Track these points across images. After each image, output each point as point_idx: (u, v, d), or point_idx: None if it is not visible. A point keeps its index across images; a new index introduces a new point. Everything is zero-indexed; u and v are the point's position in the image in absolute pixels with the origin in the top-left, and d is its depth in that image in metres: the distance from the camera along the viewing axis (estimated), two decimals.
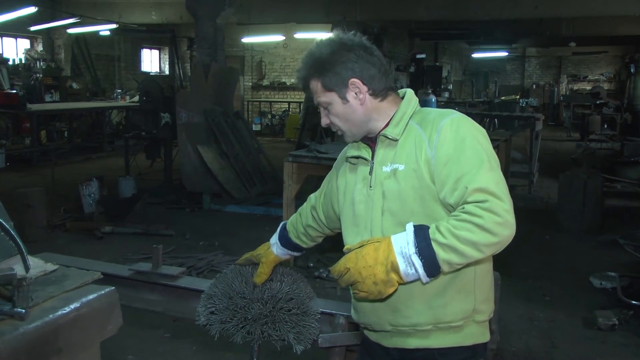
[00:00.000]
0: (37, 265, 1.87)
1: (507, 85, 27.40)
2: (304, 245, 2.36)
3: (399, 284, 1.74)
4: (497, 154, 6.60)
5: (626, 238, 6.51)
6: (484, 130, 1.89)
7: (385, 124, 1.94)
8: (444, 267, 1.70)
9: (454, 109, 13.72)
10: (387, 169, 1.90)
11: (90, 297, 1.73)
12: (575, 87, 27.63)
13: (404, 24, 17.48)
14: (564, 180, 7.88)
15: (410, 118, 1.93)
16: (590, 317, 4.97)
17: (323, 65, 1.90)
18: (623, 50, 24.91)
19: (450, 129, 1.81)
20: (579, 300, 5.43)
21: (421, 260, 1.68)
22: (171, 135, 9.69)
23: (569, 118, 20.94)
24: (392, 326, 1.91)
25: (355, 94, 1.91)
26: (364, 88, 1.91)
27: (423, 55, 17.19)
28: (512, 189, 9.82)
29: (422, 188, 1.82)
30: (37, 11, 13.13)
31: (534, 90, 26.10)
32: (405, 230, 1.76)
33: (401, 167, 1.87)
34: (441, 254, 1.67)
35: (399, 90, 2.05)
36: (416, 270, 1.69)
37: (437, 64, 21.07)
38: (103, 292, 1.77)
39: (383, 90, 1.94)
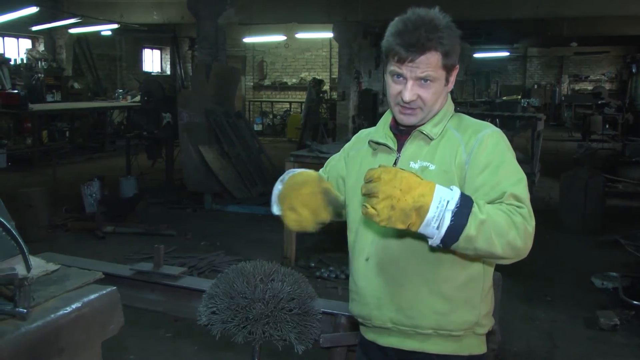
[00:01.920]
0: (39, 265, 1.87)
1: (509, 85, 27.35)
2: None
3: (408, 228, 1.60)
4: None
5: (628, 238, 6.50)
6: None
7: (428, 119, 1.89)
8: (461, 243, 1.61)
9: (455, 109, 13.72)
10: (415, 165, 1.85)
11: (92, 297, 1.73)
12: (577, 87, 27.58)
13: None
14: (565, 180, 7.87)
15: (448, 121, 1.91)
16: (591, 317, 4.96)
17: (453, 39, 1.82)
18: (625, 50, 24.87)
19: (491, 139, 1.82)
20: (581, 300, 5.43)
21: (451, 221, 1.58)
22: (172, 135, 9.71)
23: (570, 118, 20.93)
24: (393, 324, 1.90)
25: (451, 78, 1.87)
26: (454, 76, 1.89)
27: None
28: None
29: None
30: (39, 11, 13.14)
31: (535, 90, 26.07)
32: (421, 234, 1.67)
33: (432, 167, 1.83)
34: (472, 227, 1.59)
35: None
36: (438, 228, 1.59)
37: None
38: (104, 292, 1.78)
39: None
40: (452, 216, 1.58)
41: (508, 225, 1.63)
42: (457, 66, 1.87)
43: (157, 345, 4.40)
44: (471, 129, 1.86)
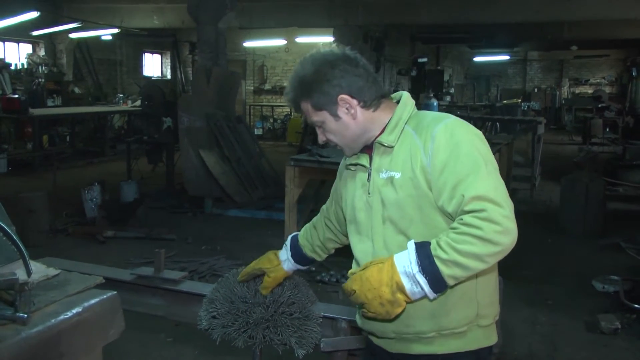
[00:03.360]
0: (39, 269, 1.87)
1: (509, 89, 27.38)
2: (319, 259, 2.34)
3: (407, 302, 1.73)
4: (499, 157, 6.62)
5: (628, 241, 6.50)
6: (480, 133, 1.87)
7: (381, 130, 1.92)
8: (450, 282, 1.70)
9: (456, 113, 13.73)
10: (383, 175, 1.89)
11: (93, 301, 1.73)
12: (577, 91, 27.61)
13: (406, 28, 17.50)
14: (566, 183, 7.87)
15: (406, 123, 1.91)
16: (593, 321, 4.95)
17: (310, 86, 1.88)
18: (625, 53, 24.91)
19: (444, 135, 1.79)
20: (582, 304, 5.42)
21: (426, 278, 1.67)
22: (173, 139, 9.70)
23: (570, 121, 20.94)
24: (396, 334, 1.91)
25: (347, 109, 1.88)
26: (354, 102, 1.88)
27: (425, 59, 17.19)
28: (514, 192, 9.82)
29: (420, 197, 1.81)
30: (40, 16, 13.14)
31: (535, 93, 26.07)
32: (406, 242, 1.77)
33: (397, 175, 1.85)
34: (445, 270, 1.67)
35: (394, 94, 2.03)
36: (422, 289, 1.69)
37: (439, 67, 21.10)
38: (105, 296, 1.78)
39: (375, 99, 1.91)
40: (423, 274, 1.68)
41: (474, 244, 1.65)
42: (341, 96, 1.87)
43: (157, 349, 4.40)
44: (426, 128, 1.85)
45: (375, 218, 1.91)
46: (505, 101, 20.93)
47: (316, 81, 1.87)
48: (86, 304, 1.70)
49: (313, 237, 2.31)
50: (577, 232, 7.53)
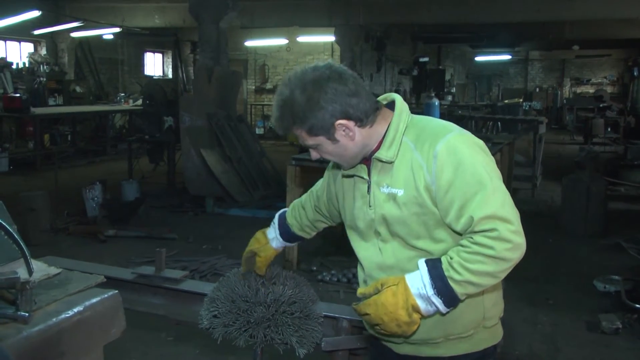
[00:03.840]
0: (41, 268, 1.87)
1: (510, 89, 27.39)
2: (308, 237, 2.36)
3: (422, 318, 1.76)
4: (500, 157, 6.60)
5: (630, 241, 6.50)
6: (481, 144, 1.82)
7: (378, 143, 1.86)
8: (462, 298, 1.73)
9: (457, 112, 13.65)
10: (384, 190, 1.85)
11: (94, 300, 1.73)
12: (579, 91, 27.61)
13: (407, 28, 17.50)
14: (567, 183, 7.86)
15: (403, 134, 1.84)
16: (594, 320, 4.95)
17: (303, 114, 1.76)
18: (626, 53, 24.90)
19: (447, 153, 1.74)
20: (583, 304, 5.41)
21: (441, 298, 1.70)
22: (174, 138, 9.71)
23: (572, 121, 20.91)
24: (404, 339, 1.92)
25: (344, 132, 1.80)
26: (351, 124, 1.78)
27: (426, 59, 17.19)
28: (515, 192, 9.82)
29: (425, 214, 1.79)
30: (41, 15, 13.15)
31: (537, 93, 26.08)
32: (415, 255, 1.80)
33: (400, 193, 1.81)
34: (459, 289, 1.69)
35: (383, 96, 1.96)
36: (437, 307, 1.71)
37: (440, 67, 21.09)
38: (106, 295, 1.78)
39: (370, 114, 1.81)
40: (438, 295, 1.70)
41: (486, 263, 1.66)
42: (339, 122, 1.77)
43: (158, 348, 4.40)
44: (428, 143, 1.78)
45: (381, 230, 1.89)
46: (506, 101, 20.93)
47: (309, 109, 1.75)
48: (87, 303, 1.70)
49: (302, 216, 2.31)
50: (579, 232, 7.53)
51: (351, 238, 2.05)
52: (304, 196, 2.33)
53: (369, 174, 1.90)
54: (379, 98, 1.95)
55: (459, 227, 1.73)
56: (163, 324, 4.36)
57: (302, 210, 2.31)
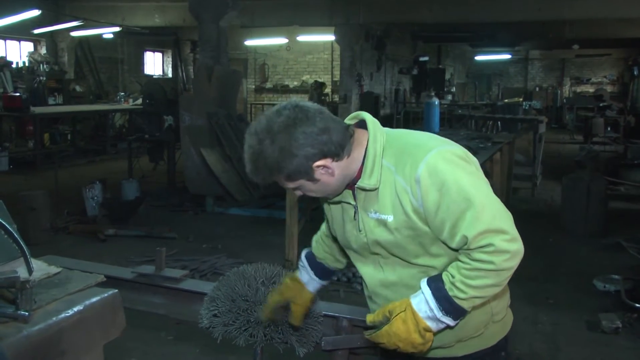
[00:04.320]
0: (41, 267, 1.87)
1: (510, 88, 27.36)
2: (342, 266, 2.26)
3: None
4: (501, 156, 6.58)
5: (630, 241, 6.50)
6: (463, 154, 1.79)
7: (359, 168, 1.82)
8: (470, 310, 1.75)
9: (457, 111, 13.64)
10: (373, 215, 1.83)
11: (94, 299, 1.73)
12: (579, 90, 27.59)
13: (407, 27, 17.50)
14: (567, 182, 7.86)
15: (382, 157, 1.80)
16: (594, 320, 4.95)
17: (278, 165, 1.72)
18: (626, 52, 24.90)
19: (428, 176, 1.70)
20: (583, 303, 5.42)
21: (450, 316, 1.71)
22: (174, 138, 9.71)
23: (572, 121, 20.91)
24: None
25: (324, 170, 1.76)
26: (329, 161, 1.74)
27: (426, 58, 17.18)
28: (515, 191, 9.83)
29: (419, 235, 1.78)
30: (41, 14, 13.15)
31: (537, 92, 26.05)
32: (416, 272, 1.83)
33: (390, 219, 1.79)
34: (465, 304, 1.71)
35: (352, 115, 1.92)
36: (447, 323, 1.73)
37: (440, 66, 21.07)
38: (106, 294, 1.78)
39: (345, 145, 1.77)
40: (446, 314, 1.71)
41: (488, 276, 1.67)
42: (317, 164, 1.73)
43: (159, 347, 4.40)
44: (408, 166, 1.74)
45: (378, 251, 1.88)
46: (506, 100, 20.90)
47: (283, 159, 1.71)
48: (87, 302, 1.70)
49: (331, 247, 2.21)
50: (579, 231, 7.53)
51: (350, 256, 2.05)
52: (322, 225, 2.25)
53: (354, 199, 1.88)
54: (347, 119, 1.90)
55: (454, 245, 1.72)
56: (163, 323, 4.37)
57: (328, 239, 2.22)
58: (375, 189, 1.80)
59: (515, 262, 1.68)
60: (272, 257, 5.85)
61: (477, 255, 1.66)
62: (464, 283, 1.67)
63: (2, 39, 15.12)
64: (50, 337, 1.55)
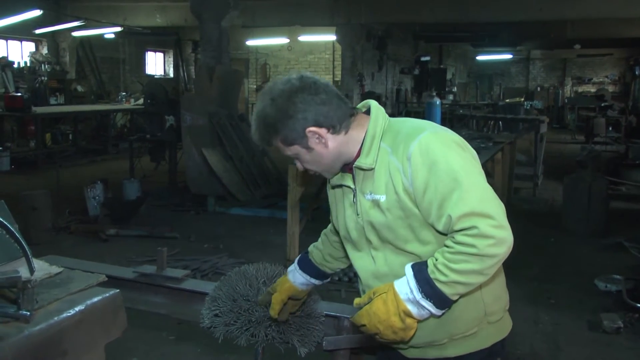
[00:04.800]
0: (42, 267, 1.87)
1: (512, 88, 27.36)
2: (329, 267, 2.25)
3: (418, 322, 1.75)
4: (502, 156, 6.57)
5: (631, 241, 6.51)
6: (458, 140, 1.81)
7: (358, 150, 1.87)
8: (454, 298, 1.71)
9: (458, 111, 13.64)
10: (368, 197, 1.86)
11: (95, 299, 1.73)
12: (580, 90, 27.59)
13: (409, 27, 17.50)
14: (568, 182, 7.86)
15: (381, 139, 1.85)
16: (595, 320, 4.95)
17: (274, 125, 1.82)
18: (628, 52, 24.89)
19: (419, 154, 1.73)
20: (584, 303, 5.41)
21: (430, 301, 1.69)
22: (176, 137, 9.71)
23: (573, 120, 20.90)
24: (409, 344, 1.92)
25: (317, 139, 1.83)
26: (323, 131, 1.82)
27: (427, 58, 17.19)
28: (516, 191, 9.83)
29: (409, 217, 1.79)
30: (42, 14, 13.17)
31: (538, 92, 26.05)
32: (406, 260, 1.80)
33: (383, 198, 1.81)
34: (447, 290, 1.68)
35: (362, 103, 1.97)
36: (429, 310, 1.70)
37: (442, 66, 21.09)
38: (108, 294, 1.78)
39: (344, 121, 1.84)
40: (426, 298, 1.69)
41: (470, 261, 1.65)
42: (309, 129, 1.81)
43: (160, 347, 4.40)
44: (402, 145, 1.78)
45: (371, 238, 1.90)
46: (508, 100, 20.91)
47: (280, 119, 1.81)
48: (89, 302, 1.70)
49: (324, 243, 2.26)
50: (580, 231, 7.52)
51: (347, 249, 2.06)
52: (328, 226, 2.29)
53: (354, 182, 1.91)
54: (359, 105, 1.97)
55: (440, 227, 1.72)
56: (164, 323, 4.37)
57: (324, 237, 2.27)
58: (372, 169, 1.84)
59: (500, 250, 1.65)
60: (274, 256, 5.85)
61: (460, 237, 1.65)
62: (445, 266, 1.66)
63: (4, 39, 15.13)
64: (51, 337, 1.56)
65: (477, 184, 1.71)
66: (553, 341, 4.68)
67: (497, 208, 1.67)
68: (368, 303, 1.77)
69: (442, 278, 1.66)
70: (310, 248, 2.29)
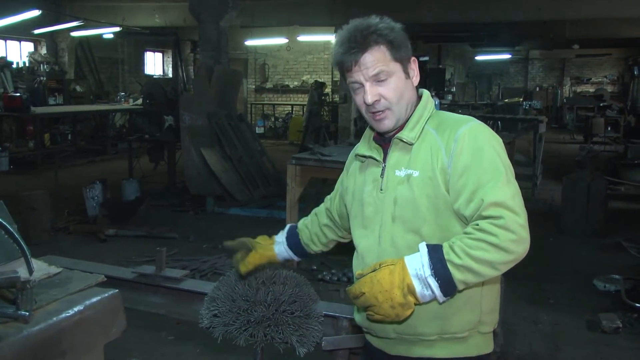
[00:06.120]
0: (41, 268, 1.87)
1: (511, 88, 27.37)
2: (313, 249, 2.30)
3: (415, 304, 1.72)
4: None
5: (630, 241, 6.51)
6: (501, 140, 1.85)
7: (401, 126, 1.90)
8: (460, 287, 1.70)
9: (457, 111, 13.69)
10: (400, 173, 1.86)
11: (94, 299, 1.73)
12: (579, 90, 27.60)
13: (407, 26, 17.43)
14: (567, 182, 7.86)
15: (426, 122, 1.89)
16: (594, 320, 4.96)
17: (395, 36, 1.86)
18: (627, 52, 24.91)
19: (468, 137, 1.78)
20: (583, 303, 5.42)
21: (437, 281, 1.67)
22: (175, 138, 9.71)
23: (572, 120, 20.92)
24: (397, 334, 1.89)
25: (413, 70, 1.90)
26: (417, 71, 1.92)
27: (426, 58, 17.17)
28: None
29: (437, 197, 1.79)
30: (41, 14, 13.14)
31: (537, 92, 26.08)
32: (415, 242, 1.77)
33: (416, 174, 1.82)
34: (457, 274, 1.66)
35: None
36: (433, 292, 1.68)
37: (441, 66, 21.08)
38: (107, 294, 1.78)
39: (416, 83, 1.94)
40: (435, 277, 1.67)
41: (488, 251, 1.65)
42: (413, 58, 1.90)
43: (159, 347, 4.40)
44: (449, 129, 1.83)
45: (385, 215, 1.88)
46: (506, 100, 20.92)
47: (403, 36, 1.88)
48: (88, 302, 1.70)
49: (313, 223, 2.30)
50: (579, 231, 7.53)
51: (352, 227, 2.04)
52: (319, 206, 2.33)
53: (384, 159, 1.93)
54: None
55: (467, 211, 1.73)
56: (163, 323, 4.38)
57: (315, 217, 2.31)
58: (411, 144, 1.87)
59: (518, 249, 1.67)
60: None
61: (484, 225, 1.66)
62: (462, 250, 1.66)
63: (3, 39, 15.12)
64: (50, 337, 1.55)
65: (514, 182, 1.76)
66: (552, 341, 4.68)
67: (524, 210, 1.72)
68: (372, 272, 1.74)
69: (457, 260, 1.65)
70: (300, 225, 2.31)
